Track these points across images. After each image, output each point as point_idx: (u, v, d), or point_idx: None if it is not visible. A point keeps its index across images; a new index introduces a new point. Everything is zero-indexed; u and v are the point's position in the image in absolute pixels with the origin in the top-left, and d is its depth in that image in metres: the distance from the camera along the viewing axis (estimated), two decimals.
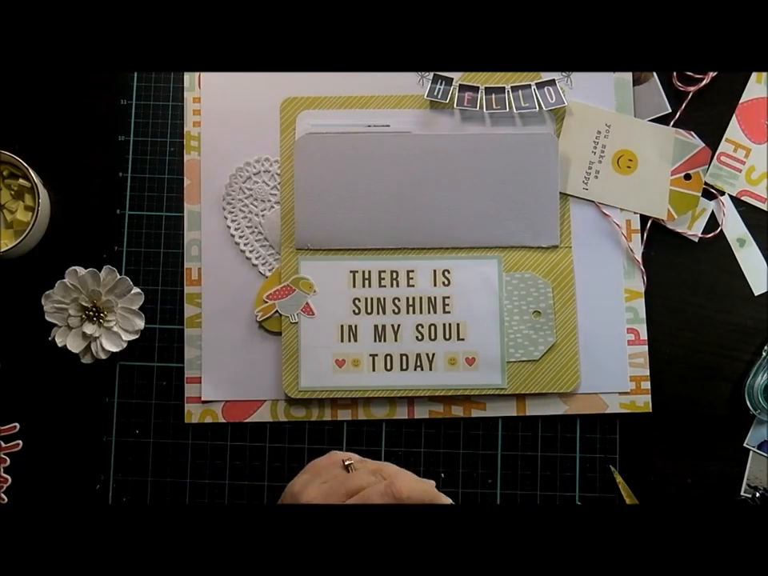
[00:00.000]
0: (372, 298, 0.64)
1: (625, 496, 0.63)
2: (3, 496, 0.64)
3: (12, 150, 0.63)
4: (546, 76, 0.66)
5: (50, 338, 0.63)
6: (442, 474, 0.64)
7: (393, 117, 0.66)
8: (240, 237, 0.65)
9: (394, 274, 0.65)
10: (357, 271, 0.65)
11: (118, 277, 0.64)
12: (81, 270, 0.63)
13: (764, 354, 0.63)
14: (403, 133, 0.65)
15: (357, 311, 0.64)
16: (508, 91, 0.65)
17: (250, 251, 0.65)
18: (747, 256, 0.65)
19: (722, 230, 0.65)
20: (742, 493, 0.63)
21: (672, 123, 0.66)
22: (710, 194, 0.66)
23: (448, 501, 0.50)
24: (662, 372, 0.64)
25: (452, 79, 0.65)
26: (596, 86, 0.66)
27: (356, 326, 0.64)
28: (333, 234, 0.65)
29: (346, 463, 0.51)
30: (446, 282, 0.64)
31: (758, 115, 0.66)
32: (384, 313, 0.64)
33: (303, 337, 0.64)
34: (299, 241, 0.65)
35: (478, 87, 0.65)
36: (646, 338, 0.64)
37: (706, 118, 0.66)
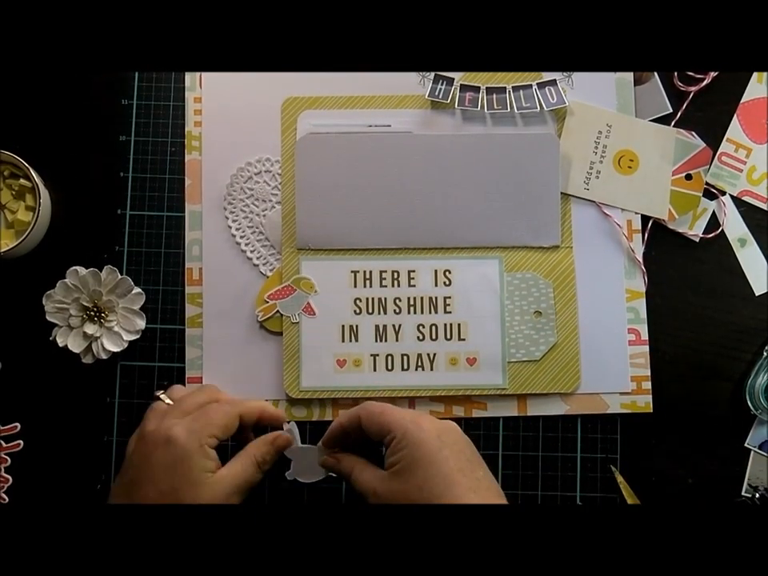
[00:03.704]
0: (373, 298, 0.64)
1: (626, 496, 0.63)
2: (4, 496, 0.64)
3: (13, 150, 0.63)
4: (548, 76, 0.66)
5: (50, 338, 0.63)
6: None
7: (394, 117, 0.66)
8: (241, 237, 0.65)
9: (395, 274, 0.65)
10: (358, 271, 0.65)
11: (119, 277, 0.64)
12: (82, 270, 0.63)
13: (765, 353, 0.63)
14: (404, 133, 0.65)
15: (358, 311, 0.64)
16: (509, 91, 0.65)
17: (251, 251, 0.65)
18: (748, 256, 0.65)
19: (722, 230, 0.65)
20: (743, 493, 0.63)
21: (673, 123, 0.66)
22: (711, 194, 0.66)
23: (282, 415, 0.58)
24: (662, 372, 0.64)
25: (453, 79, 0.65)
26: (597, 86, 0.66)
27: (357, 326, 0.64)
28: (334, 234, 0.65)
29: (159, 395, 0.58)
30: (447, 282, 0.64)
31: (758, 115, 0.66)
32: (385, 313, 0.64)
33: (304, 337, 0.64)
34: (300, 241, 0.65)
35: (479, 87, 0.65)
36: (647, 338, 0.64)
37: (707, 118, 0.66)
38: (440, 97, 0.65)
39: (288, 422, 0.63)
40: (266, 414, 0.57)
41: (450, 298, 0.64)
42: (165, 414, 0.54)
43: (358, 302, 0.64)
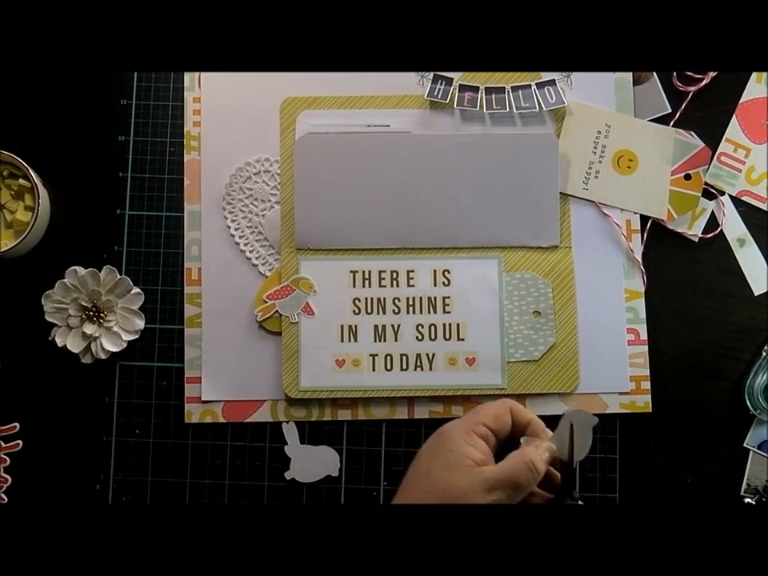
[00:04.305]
0: (372, 298, 0.64)
1: None
2: (3, 496, 0.64)
3: (12, 150, 0.63)
4: (546, 76, 0.66)
5: (50, 338, 0.63)
6: None
7: (393, 117, 0.66)
8: (240, 237, 0.65)
9: (394, 274, 0.65)
10: (357, 271, 0.65)
11: (118, 277, 0.64)
12: (81, 270, 0.63)
13: (764, 353, 0.63)
14: (403, 133, 0.65)
15: (357, 311, 0.64)
16: (508, 91, 0.65)
17: (250, 251, 0.65)
18: (747, 256, 0.65)
19: (721, 229, 0.65)
20: (742, 493, 0.63)
21: (672, 123, 0.66)
22: (710, 194, 0.66)
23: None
24: (661, 372, 0.64)
25: (452, 79, 0.65)
26: (596, 86, 0.66)
27: (356, 326, 0.64)
28: (333, 234, 0.65)
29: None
30: (446, 282, 0.64)
31: (757, 115, 0.66)
32: (384, 313, 0.64)
33: (303, 337, 0.64)
34: (299, 241, 0.65)
35: (478, 87, 0.65)
36: (646, 338, 0.64)
37: (706, 118, 0.66)
38: (439, 97, 0.65)
39: (287, 422, 0.64)
40: (534, 425, 0.49)
41: (449, 298, 0.64)
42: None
43: (357, 301, 0.64)
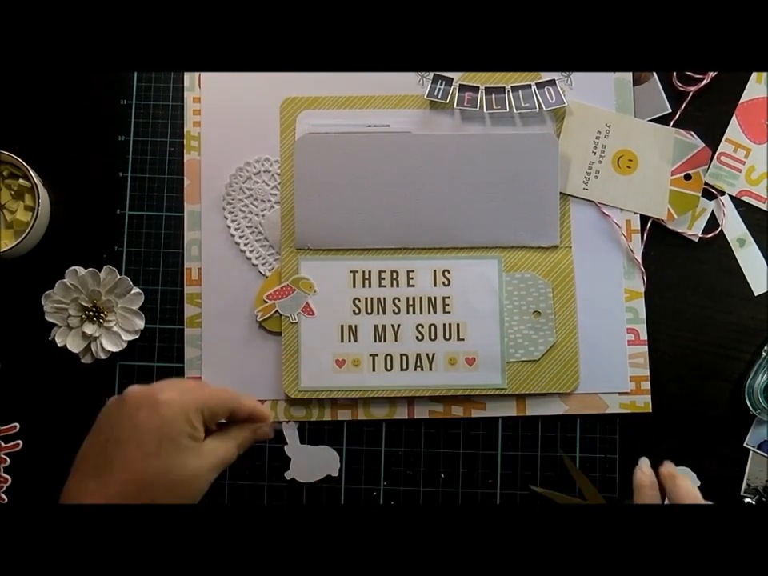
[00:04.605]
0: (372, 298, 0.64)
1: (582, 488, 0.63)
2: (3, 496, 0.64)
3: (12, 150, 0.63)
4: (546, 76, 0.66)
5: (50, 338, 0.63)
6: (442, 474, 0.64)
7: (393, 117, 0.66)
8: (240, 237, 0.65)
9: (394, 274, 0.65)
10: (357, 271, 0.65)
11: (118, 277, 0.64)
12: (81, 270, 0.63)
13: (764, 354, 0.63)
14: (403, 133, 0.65)
15: (357, 311, 0.64)
16: (508, 91, 0.65)
17: (250, 251, 0.65)
18: (747, 256, 0.65)
19: (722, 230, 0.65)
20: (742, 493, 0.63)
21: (672, 123, 0.66)
22: (710, 194, 0.66)
23: None
24: (661, 372, 0.64)
25: (452, 79, 0.65)
26: (596, 86, 0.66)
27: (356, 326, 0.64)
28: (333, 234, 0.65)
29: None
30: (446, 282, 0.64)
31: (758, 115, 0.66)
32: (384, 313, 0.64)
33: (303, 337, 0.64)
34: (299, 241, 0.65)
35: (478, 87, 0.65)
36: (646, 338, 0.64)
37: (706, 118, 0.66)
38: (439, 97, 0.65)
39: (287, 422, 0.64)
40: (256, 413, 0.51)
41: (449, 297, 0.64)
42: (151, 384, 0.49)
43: (357, 301, 0.64)
